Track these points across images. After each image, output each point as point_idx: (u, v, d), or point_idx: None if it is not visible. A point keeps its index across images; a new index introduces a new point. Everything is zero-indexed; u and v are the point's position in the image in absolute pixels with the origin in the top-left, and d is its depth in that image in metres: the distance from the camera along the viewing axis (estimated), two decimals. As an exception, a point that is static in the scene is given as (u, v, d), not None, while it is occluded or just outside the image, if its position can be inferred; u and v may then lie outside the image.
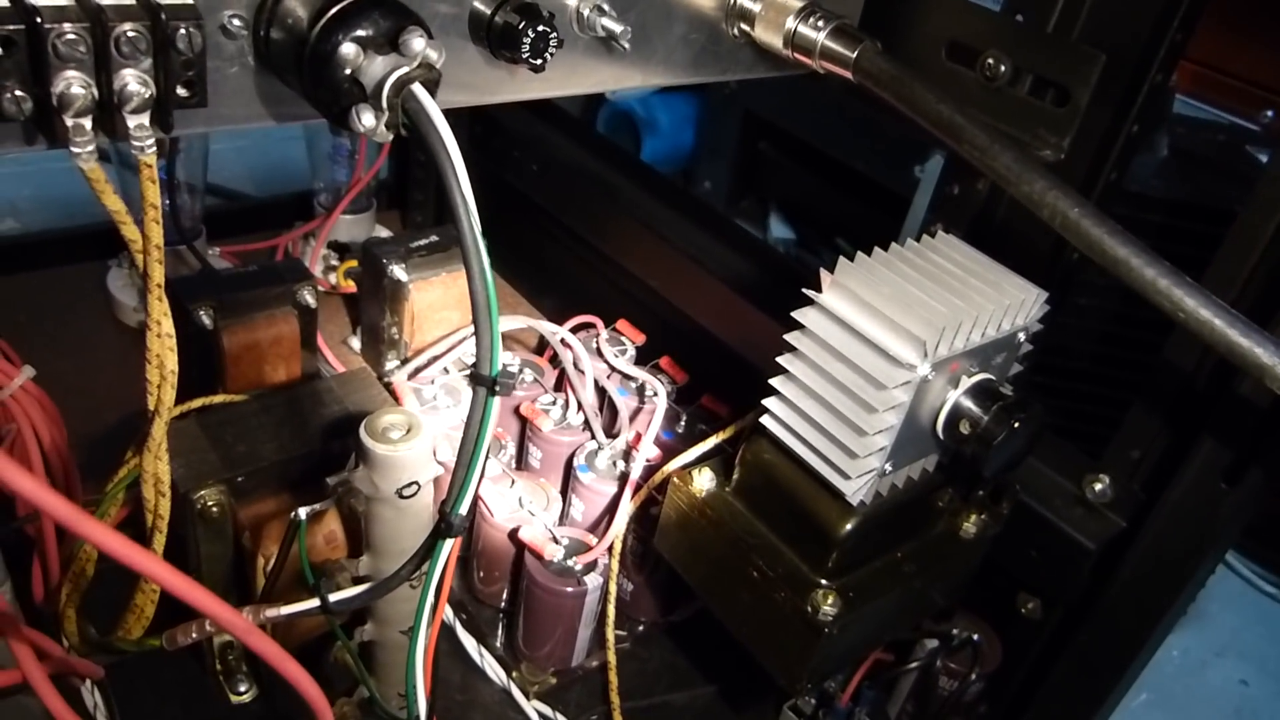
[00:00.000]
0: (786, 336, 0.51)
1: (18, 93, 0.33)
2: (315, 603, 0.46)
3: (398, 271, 0.78)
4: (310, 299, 0.75)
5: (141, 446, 0.52)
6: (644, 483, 0.66)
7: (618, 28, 0.46)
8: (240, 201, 1.06)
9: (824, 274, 0.50)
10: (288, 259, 0.89)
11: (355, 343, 0.87)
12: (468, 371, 0.77)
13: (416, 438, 0.54)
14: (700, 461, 0.61)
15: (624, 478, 0.67)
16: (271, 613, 0.45)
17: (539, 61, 0.43)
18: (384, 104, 0.36)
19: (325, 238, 0.88)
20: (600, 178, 0.88)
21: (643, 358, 0.78)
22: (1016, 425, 0.48)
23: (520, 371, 0.77)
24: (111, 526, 0.55)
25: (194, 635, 0.46)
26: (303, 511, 0.54)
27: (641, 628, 0.74)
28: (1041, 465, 0.60)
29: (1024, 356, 0.53)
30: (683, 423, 0.72)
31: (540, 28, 0.42)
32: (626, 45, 0.47)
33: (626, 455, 0.70)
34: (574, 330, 0.78)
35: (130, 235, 0.38)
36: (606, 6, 0.46)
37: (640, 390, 0.75)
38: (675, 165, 1.50)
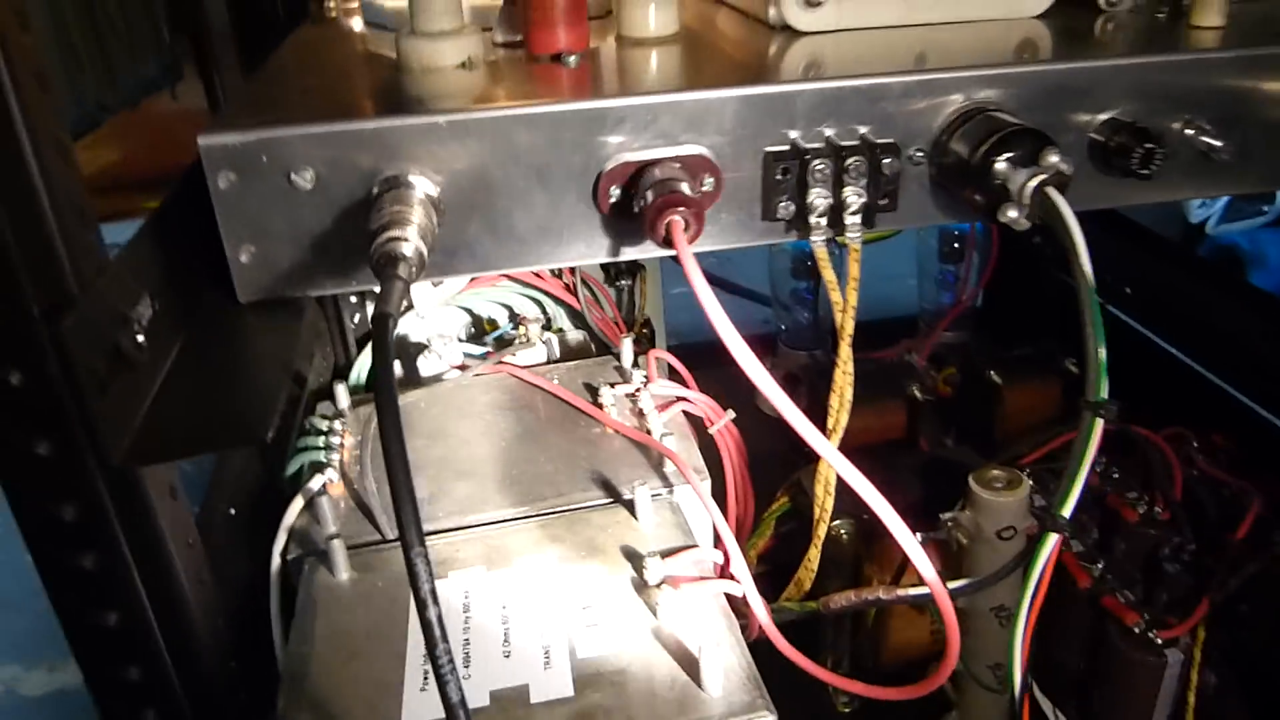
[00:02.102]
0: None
1: (786, 202, 0.53)
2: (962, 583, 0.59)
3: (994, 375, 0.91)
4: (918, 393, 0.90)
5: (797, 484, 0.71)
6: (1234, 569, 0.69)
7: (1218, 144, 0.55)
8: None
9: None
10: (897, 361, 1.06)
11: (949, 441, 1.00)
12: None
13: (1018, 490, 0.66)
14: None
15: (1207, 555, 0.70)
16: (954, 584, 0.59)
17: (1146, 172, 0.54)
18: (1025, 201, 0.50)
19: (928, 351, 1.04)
20: (1196, 300, 0.92)
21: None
22: None
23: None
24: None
25: (851, 601, 0.61)
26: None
27: (1228, 728, 0.74)
28: None
29: None
30: None
31: (1148, 145, 0.53)
32: (1226, 158, 0.56)
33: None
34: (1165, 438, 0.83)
35: (835, 298, 0.56)
36: (1208, 127, 0.56)
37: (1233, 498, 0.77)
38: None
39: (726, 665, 0.47)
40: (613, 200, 0.51)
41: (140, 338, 0.43)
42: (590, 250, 0.53)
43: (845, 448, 0.89)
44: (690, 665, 0.47)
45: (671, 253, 0.48)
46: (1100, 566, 0.74)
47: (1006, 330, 1.14)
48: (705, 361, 0.73)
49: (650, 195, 0.49)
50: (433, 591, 0.36)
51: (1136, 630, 0.70)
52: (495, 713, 0.47)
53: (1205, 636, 0.72)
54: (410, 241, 0.44)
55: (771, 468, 0.80)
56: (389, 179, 0.49)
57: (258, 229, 0.50)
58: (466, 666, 0.49)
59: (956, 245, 1.03)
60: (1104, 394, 0.49)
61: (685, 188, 0.49)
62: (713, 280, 1.35)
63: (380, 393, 0.38)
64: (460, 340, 0.87)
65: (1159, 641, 0.70)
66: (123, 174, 1.85)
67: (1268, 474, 0.79)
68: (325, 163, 0.49)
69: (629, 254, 0.53)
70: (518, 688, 0.48)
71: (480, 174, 0.50)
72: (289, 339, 0.50)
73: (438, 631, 0.35)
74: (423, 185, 0.49)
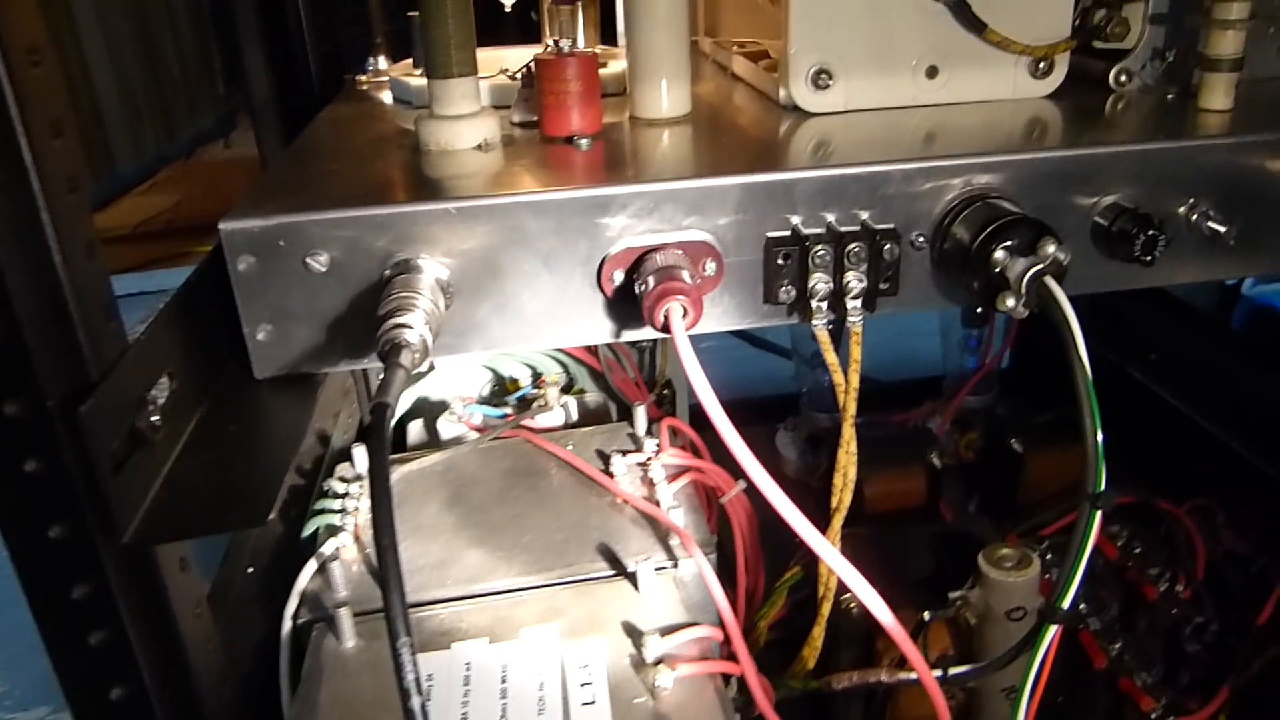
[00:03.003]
0: None
1: (787, 286, 0.54)
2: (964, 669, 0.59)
3: (1015, 443, 0.90)
4: (936, 460, 0.90)
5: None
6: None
7: (1222, 229, 0.55)
8: (878, 382, 1.27)
9: None
10: (918, 427, 1.06)
11: (971, 508, 0.99)
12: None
13: (1028, 571, 0.65)
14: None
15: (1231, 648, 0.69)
16: (956, 671, 0.59)
17: (1148, 259, 0.54)
18: (1023, 291, 0.50)
19: (951, 415, 1.03)
20: (1225, 369, 0.91)
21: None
22: None
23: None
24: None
25: (854, 681, 0.61)
26: (927, 614, 0.67)
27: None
28: None
29: None
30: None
31: (1150, 232, 0.54)
32: (1232, 243, 0.56)
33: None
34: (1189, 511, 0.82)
35: (838, 380, 0.57)
36: (1212, 212, 0.56)
37: (1260, 575, 0.76)
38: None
39: (718, 750, 0.47)
40: (616, 284, 0.53)
41: (156, 418, 0.45)
42: (595, 332, 0.54)
43: (864, 515, 0.89)
44: (683, 748, 0.48)
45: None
46: (1118, 646, 0.73)
47: (1034, 394, 1.13)
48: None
49: (651, 281, 0.50)
50: (416, 681, 0.37)
51: (1153, 715, 0.69)
52: (488, 790, 0.47)
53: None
54: (414, 329, 0.46)
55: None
56: (400, 263, 0.51)
57: (275, 309, 0.52)
58: (463, 741, 0.50)
59: (980, 309, 1.03)
60: (1102, 485, 0.49)
61: (685, 275, 0.50)
62: (739, 335, 1.35)
63: (374, 483, 0.39)
64: (482, 398, 0.89)
65: (1177, 727, 0.69)
66: (176, 219, 1.92)
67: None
68: (339, 247, 0.51)
69: (631, 336, 0.55)
70: (512, 765, 0.49)
71: (489, 258, 0.52)
72: (303, 414, 0.52)
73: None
74: (432, 269, 0.51)
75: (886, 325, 1.18)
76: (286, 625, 0.59)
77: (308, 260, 0.51)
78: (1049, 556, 0.80)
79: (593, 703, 0.52)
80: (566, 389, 0.87)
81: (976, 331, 1.05)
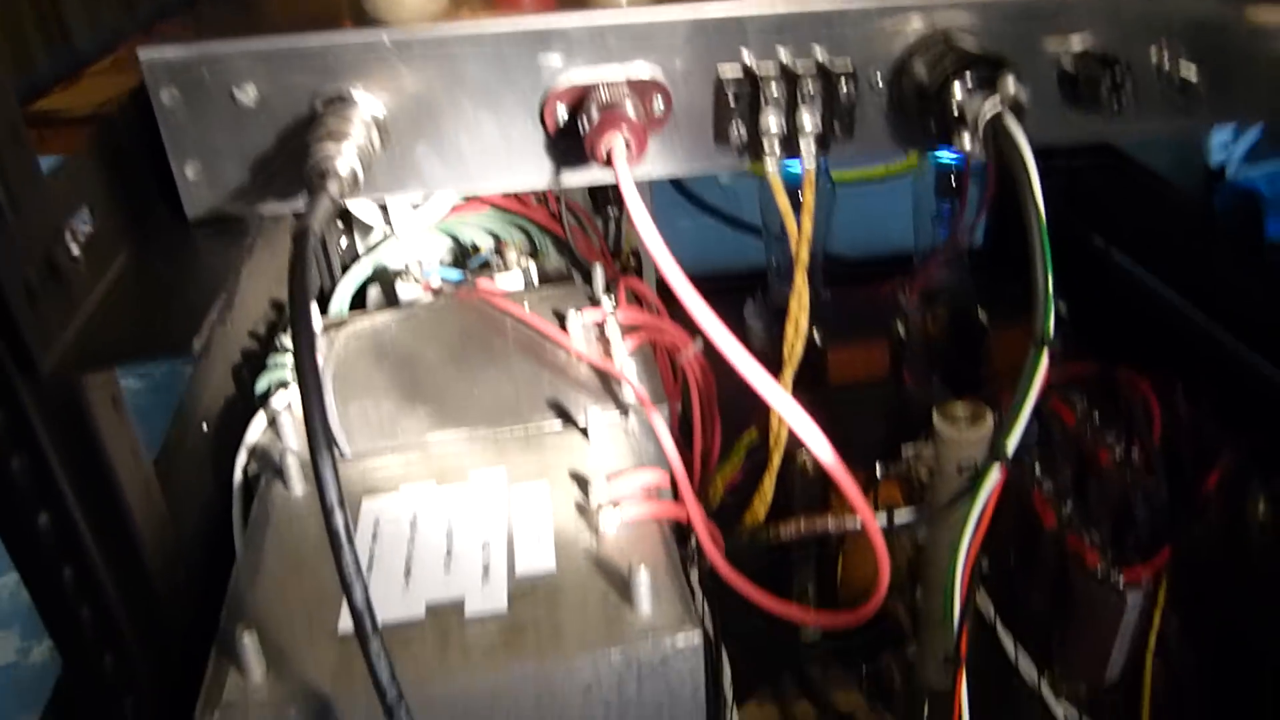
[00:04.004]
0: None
1: (738, 125, 0.52)
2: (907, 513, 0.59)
3: (980, 314, 0.90)
4: (902, 330, 0.90)
5: (768, 414, 0.71)
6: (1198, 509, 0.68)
7: (1194, 79, 0.53)
8: (848, 260, 1.26)
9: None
10: (885, 298, 1.05)
11: (936, 380, 0.99)
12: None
13: (981, 426, 0.65)
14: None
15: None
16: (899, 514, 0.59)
17: (1115, 105, 0.53)
18: (979, 128, 0.49)
19: (919, 286, 1.02)
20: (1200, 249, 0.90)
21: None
22: None
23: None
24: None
25: (801, 529, 0.62)
26: (879, 468, 0.67)
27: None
28: None
29: None
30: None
31: (1116, 77, 0.52)
32: (1203, 91, 0.54)
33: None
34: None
35: (790, 227, 0.55)
36: (1184, 59, 0.54)
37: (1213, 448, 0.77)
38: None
39: (657, 584, 0.48)
40: (560, 122, 0.51)
41: (75, 250, 0.43)
42: (538, 174, 0.53)
43: (826, 383, 0.89)
44: (623, 584, 0.48)
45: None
46: (1068, 506, 0.74)
47: (1007, 274, 1.12)
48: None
49: (595, 115, 0.48)
50: (340, 500, 0.36)
51: (1098, 571, 0.70)
52: (430, 623, 0.48)
53: (1168, 583, 0.72)
54: (344, 158, 0.44)
55: (748, 400, 0.80)
56: (332, 97, 0.49)
57: (203, 145, 0.50)
58: (407, 578, 0.50)
59: (955, 182, 1.01)
60: (1050, 330, 0.48)
61: (630, 109, 0.49)
62: (714, 213, 1.33)
63: (294, 307, 0.38)
64: (443, 264, 0.87)
65: (1119, 583, 0.70)
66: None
67: (1257, 427, 0.78)
68: (268, 79, 0.49)
69: (577, 179, 0.53)
70: (454, 600, 0.49)
71: (426, 93, 0.50)
72: (232, 258, 0.50)
73: (343, 537, 0.36)
74: (366, 104, 0.49)
75: (859, 204, 1.17)
76: (238, 477, 0.59)
77: (234, 93, 0.49)
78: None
79: (538, 542, 0.52)
80: (531, 256, 0.86)
81: (949, 202, 1.03)
